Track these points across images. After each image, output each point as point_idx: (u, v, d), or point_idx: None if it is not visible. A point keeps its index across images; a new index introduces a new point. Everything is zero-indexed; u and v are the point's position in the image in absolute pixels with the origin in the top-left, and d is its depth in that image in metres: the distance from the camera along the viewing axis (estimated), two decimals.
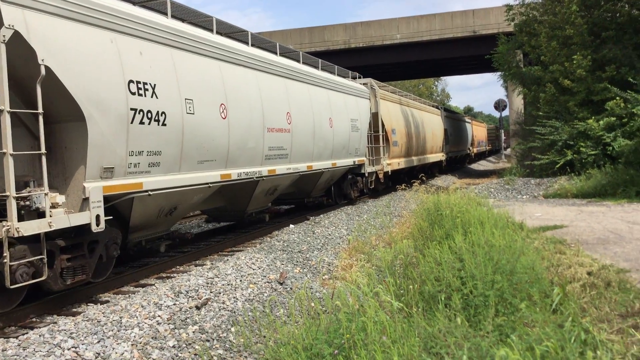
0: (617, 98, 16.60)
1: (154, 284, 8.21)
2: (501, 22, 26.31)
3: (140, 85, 7.60)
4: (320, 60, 15.05)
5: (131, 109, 7.39)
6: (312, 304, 6.44)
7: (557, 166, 17.88)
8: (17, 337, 5.86)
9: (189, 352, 6.34)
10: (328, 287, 8.86)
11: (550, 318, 3.74)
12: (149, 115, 7.73)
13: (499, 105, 46.79)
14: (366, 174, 17.55)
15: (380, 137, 19.16)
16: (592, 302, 4.81)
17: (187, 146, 8.55)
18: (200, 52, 9.18)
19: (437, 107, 33.54)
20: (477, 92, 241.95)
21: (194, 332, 6.74)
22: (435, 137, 29.88)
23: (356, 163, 16.73)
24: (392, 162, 20.38)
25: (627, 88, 16.56)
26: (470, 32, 31.68)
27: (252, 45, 11.63)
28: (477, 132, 52.30)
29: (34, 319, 6.68)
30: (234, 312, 7.52)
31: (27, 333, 6.01)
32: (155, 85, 7.87)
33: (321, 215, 15.76)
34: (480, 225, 5.90)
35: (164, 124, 8.02)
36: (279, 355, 3.62)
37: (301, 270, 9.89)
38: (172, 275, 8.73)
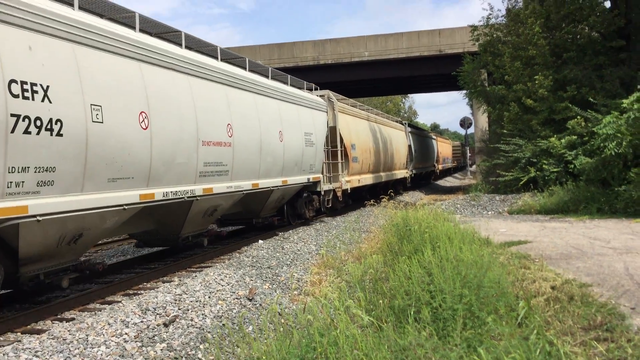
0: (578, 117, 17.11)
1: (120, 301, 8.09)
2: (466, 42, 26.95)
3: (27, 87, 6.29)
4: (270, 68, 14.02)
5: (12, 115, 6.08)
6: (283, 320, 6.43)
7: (521, 183, 18.29)
8: None
9: None
10: (298, 303, 8.85)
11: (516, 331, 3.83)
12: (38, 123, 6.39)
13: (465, 123, 47.69)
14: (322, 192, 16.60)
15: (339, 152, 18.24)
16: (556, 316, 4.94)
17: (92, 161, 7.20)
18: (115, 50, 7.76)
19: (401, 123, 33.17)
20: (444, 109, 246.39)
21: (162, 349, 6.66)
22: (400, 153, 29.24)
23: (311, 180, 15.64)
24: (351, 179, 19.52)
25: (588, 107, 17.10)
26: (436, 50, 32.30)
27: (187, 47, 10.36)
28: (443, 148, 52.34)
29: None
30: (203, 329, 7.46)
31: None
32: (48, 87, 6.58)
33: (290, 231, 15.77)
34: (448, 240, 6.02)
35: (59, 134, 6.68)
36: None
37: (270, 286, 9.87)
38: (139, 292, 8.61)
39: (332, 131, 17.99)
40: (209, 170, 10.16)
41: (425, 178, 41.81)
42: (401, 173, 29.63)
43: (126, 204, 7.91)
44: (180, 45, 10.03)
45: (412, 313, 3.96)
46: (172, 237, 10.43)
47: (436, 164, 46.00)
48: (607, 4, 19.53)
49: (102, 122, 7.29)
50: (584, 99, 17.62)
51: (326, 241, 14.22)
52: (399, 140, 29.79)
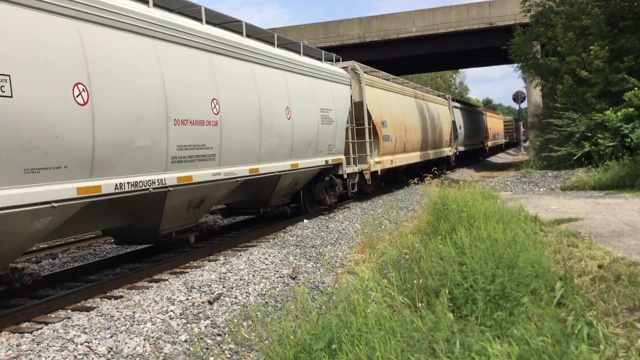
0: (636, 88, 16.35)
1: (167, 279, 8.31)
2: (518, 13, 26.00)
3: None
4: (276, 34, 12.14)
5: None
6: (318, 300, 6.46)
7: (575, 158, 17.67)
8: (31, 332, 5.99)
9: (201, 347, 6.41)
10: (341, 282, 8.89)
11: (552, 312, 3.72)
12: None
13: (518, 97, 46.26)
14: (345, 175, 14.83)
15: (366, 130, 16.39)
16: (600, 296, 4.77)
17: None
18: (35, 3, 6.09)
19: (444, 97, 30.92)
20: (496, 84, 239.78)
21: (205, 326, 6.83)
22: (441, 129, 27.09)
23: (330, 163, 13.90)
24: (382, 160, 17.73)
25: None
26: (486, 23, 31.36)
27: (157, 5, 8.58)
28: (492, 124, 49.44)
29: (48, 315, 6.80)
30: (246, 306, 7.60)
31: (41, 328, 6.13)
32: None
33: (335, 210, 15.79)
34: (485, 219, 5.87)
35: None
36: (271, 351, 3.66)
37: (314, 265, 9.94)
38: (185, 271, 8.82)
39: (358, 107, 16.36)
40: (186, 155, 8.49)
41: (474, 155, 39.90)
42: (444, 152, 27.66)
43: (56, 200, 6.26)
44: (146, 2, 8.13)
45: (446, 293, 3.89)
46: (150, 234, 8.96)
47: (485, 141, 43.42)
48: None
49: (10, 97, 5.66)
50: None
51: (371, 220, 14.18)
52: (441, 115, 27.81)
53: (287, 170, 11.78)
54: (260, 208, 12.37)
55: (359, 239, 11.87)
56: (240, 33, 10.76)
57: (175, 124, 8.16)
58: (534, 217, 9.44)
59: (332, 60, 15.49)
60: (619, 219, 9.51)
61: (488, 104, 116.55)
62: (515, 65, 24.92)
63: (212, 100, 9.13)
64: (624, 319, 4.14)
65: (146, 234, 9.03)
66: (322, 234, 12.38)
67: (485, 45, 32.60)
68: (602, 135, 17.05)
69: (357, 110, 16.22)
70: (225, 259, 9.59)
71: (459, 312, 3.71)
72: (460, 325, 3.15)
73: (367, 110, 16.49)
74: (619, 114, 16.66)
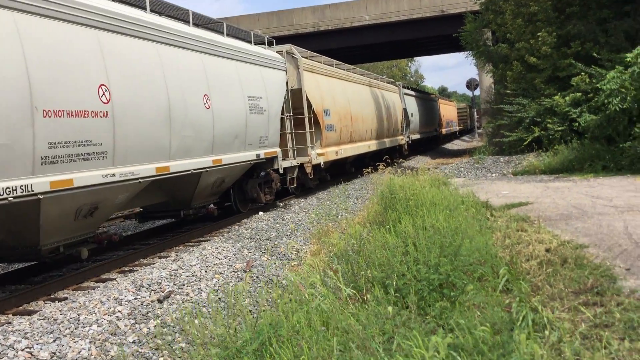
0: (582, 74, 16.69)
1: (115, 279, 8.06)
2: (468, 1, 26.27)
3: None
4: (191, 11, 10.62)
5: None
6: (272, 293, 6.34)
7: (525, 143, 17.99)
8: None
9: (150, 347, 6.23)
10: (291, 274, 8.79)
11: (498, 299, 3.70)
12: None
13: (471, 84, 46.93)
14: (281, 170, 13.63)
15: (306, 120, 15.26)
16: (547, 280, 4.80)
17: None
18: None
19: (394, 84, 30.10)
20: (451, 72, 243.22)
21: (155, 326, 6.63)
22: (392, 118, 26.00)
23: (262, 157, 12.63)
24: (326, 152, 16.63)
25: (592, 63, 16.66)
26: (438, 11, 31.60)
27: None
28: (446, 111, 48.99)
29: None
30: (199, 303, 7.43)
31: None
32: None
33: (292, 201, 15.67)
34: (431, 207, 5.85)
35: None
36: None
37: (269, 258, 9.82)
38: (134, 269, 8.57)
39: (297, 95, 15.15)
40: (63, 154, 7.04)
41: (428, 143, 39.27)
42: (395, 140, 26.71)
43: None
44: None
45: (393, 284, 3.83)
46: (29, 250, 7.57)
47: (439, 128, 42.97)
48: None
49: None
50: (588, 55, 17.15)
51: (327, 210, 14.12)
52: (392, 103, 26.78)
53: (209, 168, 10.41)
54: (181, 210, 10.87)
55: (315, 230, 11.80)
56: (144, 8, 9.23)
57: (44, 116, 6.73)
58: (485, 202, 9.54)
59: (264, 44, 14.12)
60: (568, 202, 9.68)
61: (443, 92, 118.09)
62: (467, 52, 25.18)
63: (100, 86, 7.67)
64: (569, 303, 4.16)
65: (25, 251, 7.58)
66: (278, 225, 12.26)
67: (438, 33, 32.87)
68: (551, 120, 17.38)
69: (296, 98, 15.13)
70: (177, 255, 9.37)
71: (405, 302, 3.66)
72: (402, 317, 3.10)
73: (307, 98, 15.31)
74: (567, 98, 17.00)
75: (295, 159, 14.73)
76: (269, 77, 13.30)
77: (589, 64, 16.76)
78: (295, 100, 15.12)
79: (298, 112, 15.26)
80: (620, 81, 13.93)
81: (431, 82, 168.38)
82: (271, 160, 13.33)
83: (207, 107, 10.36)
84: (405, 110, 29.47)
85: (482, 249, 4.52)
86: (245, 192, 13.06)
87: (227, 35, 11.97)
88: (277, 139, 13.57)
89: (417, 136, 33.47)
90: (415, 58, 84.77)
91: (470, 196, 9.67)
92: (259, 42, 13.93)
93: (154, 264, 8.74)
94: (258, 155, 12.51)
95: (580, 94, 16.73)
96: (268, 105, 12.93)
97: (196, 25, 11.07)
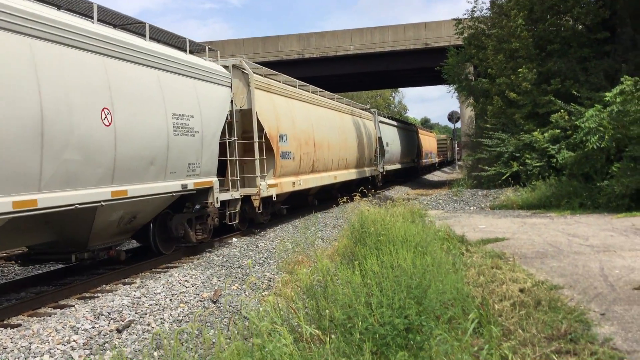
0: (562, 111, 16.82)
1: (74, 305, 7.70)
2: (452, 35, 26.55)
3: None
4: (96, 4, 8.57)
5: None
6: (238, 325, 6.05)
7: (504, 178, 18.00)
8: None
9: None
10: (267, 304, 8.50)
11: (467, 345, 3.48)
12: None
13: (453, 117, 47.29)
14: (217, 204, 11.47)
15: (255, 145, 13.32)
16: (520, 323, 4.60)
17: None
18: None
19: (369, 111, 28.48)
20: (434, 103, 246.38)
21: (111, 358, 6.29)
22: (365, 147, 24.40)
23: (191, 187, 10.54)
24: (280, 182, 14.80)
25: (572, 101, 16.81)
26: (422, 44, 31.93)
27: None
28: (425, 142, 48.19)
29: None
30: (159, 334, 7.10)
31: None
32: None
33: (267, 229, 15.38)
34: (404, 243, 5.65)
35: None
36: None
37: (239, 287, 9.51)
38: (95, 295, 8.22)
39: (247, 116, 13.42)
40: None
41: (405, 174, 37.92)
42: (366, 171, 24.90)
43: None
44: None
45: (357, 328, 3.60)
46: None
47: (417, 159, 41.36)
48: None
49: None
50: (568, 92, 17.32)
51: (303, 239, 13.86)
52: (365, 131, 25.12)
53: (106, 201, 8.19)
54: (72, 254, 8.71)
55: (289, 259, 11.52)
56: None
57: None
58: (461, 237, 9.38)
59: (204, 52, 12.07)
60: (544, 240, 9.56)
61: (426, 123, 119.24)
62: (449, 86, 25.37)
63: None
64: (541, 350, 3.96)
65: None
66: (251, 253, 11.97)
67: (422, 66, 33.17)
68: (529, 156, 17.43)
69: (246, 120, 13.48)
70: (142, 281, 9.03)
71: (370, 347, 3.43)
72: None
73: (258, 120, 13.41)
74: (545, 135, 17.09)
75: (238, 190, 12.64)
76: (205, 93, 11.22)
77: (568, 101, 16.91)
78: (245, 123, 13.52)
79: (248, 136, 13.52)
80: (598, 120, 14.02)
81: (414, 113, 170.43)
82: (205, 191, 11.23)
83: (107, 124, 8.17)
84: (380, 139, 28.03)
85: (454, 289, 4.31)
86: (169, 229, 10.69)
87: (151, 38, 10.00)
88: (213, 167, 11.45)
89: (394, 167, 32.12)
90: (399, 89, 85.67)
91: (447, 230, 9.51)
92: (199, 50, 12.00)
93: (116, 290, 8.40)
94: (184, 186, 10.34)
95: (559, 130, 16.83)
96: (202, 125, 10.86)
97: (107, 23, 9.33)
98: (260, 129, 13.61)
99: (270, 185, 14.09)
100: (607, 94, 14.05)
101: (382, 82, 49.10)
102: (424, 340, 3.33)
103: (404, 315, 3.48)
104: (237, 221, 12.76)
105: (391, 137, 31.45)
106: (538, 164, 17.13)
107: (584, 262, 7.40)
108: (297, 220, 16.56)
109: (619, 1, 17.58)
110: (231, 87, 12.56)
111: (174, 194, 10.06)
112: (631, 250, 8.01)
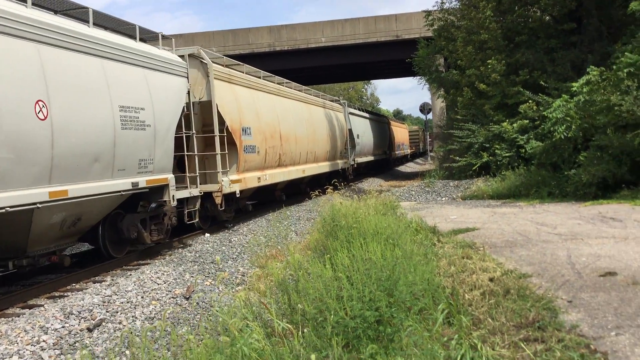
0: (530, 101, 17.07)
1: (43, 305, 7.57)
2: (423, 27, 26.71)
3: None
4: None
5: None
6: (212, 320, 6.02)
7: (474, 168, 18.21)
8: None
9: None
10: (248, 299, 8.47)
11: (437, 335, 3.52)
12: None
13: (424, 108, 47.70)
14: (172, 202, 10.73)
15: (217, 139, 12.74)
16: (489, 312, 4.67)
17: None
18: None
19: (338, 102, 27.68)
20: (407, 95, 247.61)
21: (82, 357, 6.20)
22: (334, 139, 23.79)
23: (143, 185, 9.84)
24: (244, 178, 14.13)
25: (540, 91, 17.07)
26: (393, 36, 32.04)
27: None
28: (397, 134, 47.40)
29: None
30: (132, 332, 7.01)
31: None
32: None
33: (240, 223, 15.30)
34: (375, 236, 5.68)
35: None
36: None
37: (212, 283, 9.45)
38: (65, 294, 8.09)
39: (206, 108, 12.84)
40: None
41: (377, 166, 37.95)
42: (337, 164, 24.35)
43: None
44: None
45: (329, 321, 3.60)
46: None
47: (389, 151, 40.93)
48: None
49: None
50: (536, 83, 17.58)
51: (277, 232, 13.83)
52: (335, 123, 24.51)
53: (44, 203, 7.54)
54: (10, 260, 8.05)
55: (262, 253, 11.50)
56: None
57: None
58: (433, 227, 9.47)
59: (157, 40, 11.35)
60: (513, 229, 9.71)
61: (398, 115, 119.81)
62: (420, 77, 25.53)
63: None
64: (510, 338, 4.03)
65: None
66: (224, 248, 11.91)
67: (393, 58, 33.30)
68: (499, 146, 17.67)
69: (205, 112, 12.89)
70: (113, 279, 8.91)
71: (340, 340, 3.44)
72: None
73: (218, 113, 12.84)
74: (514, 125, 17.34)
75: (198, 187, 11.98)
76: (158, 84, 10.50)
77: (536, 92, 17.16)
78: (205, 115, 12.91)
79: (209, 130, 12.95)
80: (565, 110, 14.27)
81: (387, 105, 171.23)
82: (160, 189, 10.51)
83: (43, 117, 7.53)
84: (350, 131, 27.52)
85: (424, 280, 4.35)
86: (120, 230, 9.96)
87: (96, 25, 9.30)
88: (168, 163, 10.79)
89: (365, 159, 31.77)
90: (371, 81, 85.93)
91: (418, 221, 9.59)
92: (151, 38, 11.34)
93: (86, 289, 8.28)
94: (135, 185, 9.66)
95: (527, 121, 17.09)
96: (154, 119, 10.14)
97: (45, 9, 8.68)
98: (222, 121, 13.06)
99: (234, 180, 13.49)
100: (574, 84, 14.30)
101: (354, 74, 49.17)
102: (394, 332, 3.36)
103: (374, 307, 3.50)
104: (196, 220, 12.12)
105: (362, 129, 31.07)
106: (507, 154, 17.37)
107: (552, 250, 7.54)
108: (270, 214, 16.51)
109: None
110: (187, 78, 11.92)
111: (124, 193, 9.36)
112: (597, 237, 8.18)
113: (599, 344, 3.95)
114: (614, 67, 13.11)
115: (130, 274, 9.14)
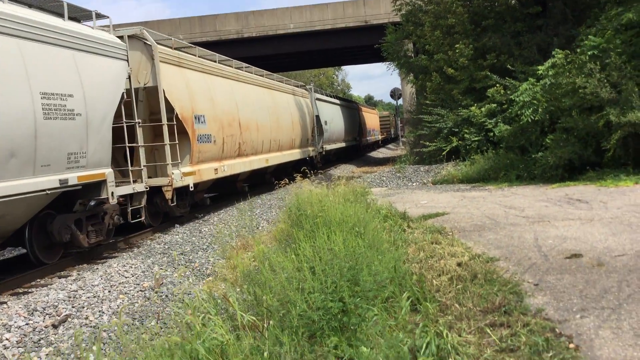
0: (497, 85, 17.18)
1: (6, 302, 7.39)
2: (391, 12, 26.65)
3: None
4: None
5: None
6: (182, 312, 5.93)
7: (444, 153, 18.31)
8: None
9: None
10: (214, 291, 8.38)
11: (403, 323, 3.50)
12: None
13: (395, 94, 47.73)
14: (112, 199, 9.83)
15: (165, 128, 11.83)
16: (456, 298, 4.67)
17: None
18: None
19: (304, 88, 26.70)
20: (378, 81, 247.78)
21: (47, 355, 6.06)
22: (299, 126, 22.84)
23: (75, 182, 8.90)
24: (199, 170, 13.25)
25: (507, 75, 17.18)
26: (362, 21, 31.93)
27: None
28: (368, 119, 47.21)
29: None
30: (98, 327, 6.88)
31: None
32: None
33: (211, 213, 15.15)
34: (341, 224, 5.64)
35: None
36: None
37: (182, 274, 9.33)
38: (29, 290, 7.90)
39: (152, 94, 11.91)
40: None
41: (348, 153, 37.39)
42: (304, 152, 23.46)
43: None
44: None
45: (294, 314, 3.54)
46: None
47: (359, 137, 40.51)
48: None
49: None
50: (503, 67, 17.68)
51: (248, 221, 13.73)
52: (301, 110, 23.56)
53: None
54: None
55: (233, 243, 11.40)
56: None
57: None
58: (403, 213, 9.48)
59: (91, 19, 10.26)
60: (482, 212, 9.78)
61: (370, 101, 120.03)
62: (389, 63, 25.48)
63: None
64: (476, 324, 4.03)
65: None
66: (194, 239, 11.78)
67: (362, 43, 33.18)
68: (468, 131, 17.78)
69: (152, 99, 11.92)
70: (79, 274, 8.73)
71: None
72: (301, 350, 2.82)
73: (166, 100, 11.85)
74: (483, 109, 17.45)
75: (143, 182, 11.05)
76: (91, 67, 9.44)
77: (504, 75, 17.27)
78: (152, 102, 11.97)
79: (157, 119, 12.02)
80: (532, 93, 14.39)
81: (358, 91, 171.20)
82: (97, 186, 9.59)
83: None
84: (317, 117, 26.61)
85: (390, 268, 4.33)
86: (51, 233, 9.10)
87: (13, 1, 8.44)
88: (105, 156, 9.74)
89: (334, 146, 31.20)
90: (342, 67, 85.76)
91: (389, 207, 9.59)
92: (84, 16, 10.29)
93: (51, 284, 8.09)
94: (64, 182, 8.66)
95: (495, 105, 17.20)
96: (86, 107, 9.08)
97: None
98: (170, 109, 12.09)
99: (186, 173, 12.61)
100: (540, 67, 14.41)
101: (324, 61, 48.93)
102: (358, 322, 3.32)
103: (338, 298, 3.46)
104: (143, 217, 11.28)
105: (330, 115, 30.41)
106: (476, 139, 17.49)
107: (519, 233, 7.61)
108: (241, 204, 16.38)
109: None
110: (128, 61, 10.89)
111: (50, 192, 8.38)
112: (564, 219, 8.28)
113: (564, 327, 3.97)
114: (578, 50, 13.25)
115: (97, 268, 8.98)
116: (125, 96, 10.62)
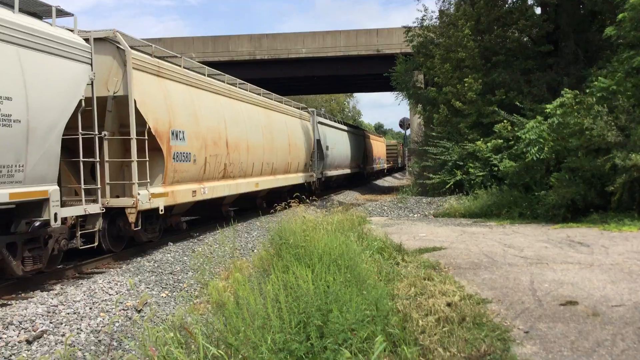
0: (505, 121, 17.04)
1: None
2: (403, 43, 26.71)
3: None
4: None
5: None
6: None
7: (448, 186, 18.12)
8: None
9: None
10: (200, 313, 8.14)
11: None
12: None
13: (404, 124, 47.73)
14: (55, 222, 8.27)
15: (133, 142, 10.59)
16: (441, 341, 4.43)
17: None
18: None
19: (306, 110, 25.50)
20: (389, 109, 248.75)
21: None
22: (299, 150, 21.85)
23: (3, 201, 7.47)
24: (172, 191, 11.97)
25: (515, 112, 17.06)
26: (374, 50, 32.04)
27: None
28: (374, 147, 46.48)
29: None
30: (74, 346, 6.65)
31: None
32: None
33: (207, 233, 14.92)
34: (325, 256, 5.41)
35: None
36: None
37: (169, 294, 9.11)
38: (8, 303, 7.69)
39: (122, 104, 10.67)
40: None
41: (350, 181, 36.36)
42: (300, 177, 22.14)
43: None
44: None
45: (250, 354, 3.32)
46: None
47: (364, 165, 39.40)
48: (537, 10, 19.63)
49: None
50: (511, 103, 17.59)
51: (244, 244, 13.51)
52: (300, 132, 22.52)
53: None
54: None
55: (227, 264, 11.16)
56: None
57: None
58: (398, 246, 9.24)
59: (50, 16, 8.97)
60: (480, 249, 9.53)
61: (379, 129, 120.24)
62: (398, 92, 25.48)
63: None
64: None
65: None
66: (186, 258, 11.56)
67: (374, 72, 33.24)
68: (473, 165, 17.60)
69: (122, 109, 10.71)
70: (62, 288, 8.51)
71: None
72: None
73: (136, 111, 10.69)
74: (489, 144, 17.29)
75: (99, 202, 9.64)
76: (39, 68, 8.18)
77: (512, 112, 17.16)
78: (123, 114, 10.72)
79: (122, 131, 10.95)
80: (538, 131, 14.22)
81: (369, 119, 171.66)
82: (38, 205, 8.17)
83: None
84: (319, 141, 25.51)
85: (372, 305, 4.11)
86: None
87: None
88: (50, 171, 8.37)
89: (337, 172, 29.96)
90: (353, 94, 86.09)
91: (384, 239, 9.36)
92: (44, 13, 9.06)
93: (32, 297, 7.88)
94: None
95: (501, 140, 17.05)
96: (28, 112, 7.84)
97: None
98: (142, 122, 10.89)
99: (156, 194, 11.26)
100: (548, 106, 14.26)
101: (334, 87, 49.13)
102: None
103: (303, 339, 3.23)
104: (95, 244, 9.72)
105: (333, 140, 29.27)
106: (481, 173, 17.30)
107: (515, 274, 7.36)
108: (240, 225, 16.17)
109: (563, 15, 17.99)
110: (91, 65, 9.50)
111: None
112: (563, 262, 8.03)
113: None
114: (588, 90, 13.11)
115: (82, 283, 8.77)
116: (83, 104, 9.25)
